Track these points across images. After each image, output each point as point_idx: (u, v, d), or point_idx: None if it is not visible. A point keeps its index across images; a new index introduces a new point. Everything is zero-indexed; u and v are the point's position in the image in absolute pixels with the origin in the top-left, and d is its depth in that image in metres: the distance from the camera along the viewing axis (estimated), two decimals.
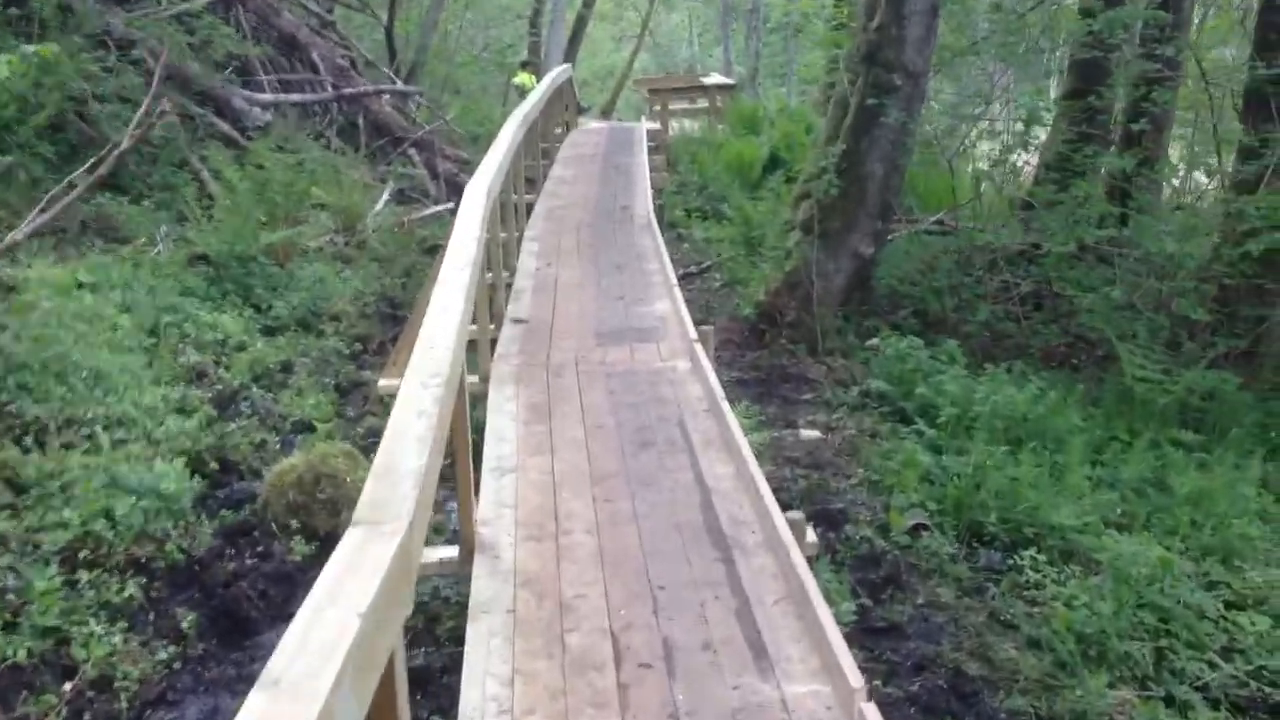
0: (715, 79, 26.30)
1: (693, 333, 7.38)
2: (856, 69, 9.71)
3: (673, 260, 12.85)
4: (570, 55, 33.67)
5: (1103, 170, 11.29)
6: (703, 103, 26.40)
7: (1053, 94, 18.65)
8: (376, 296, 9.76)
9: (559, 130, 18.70)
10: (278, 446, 6.76)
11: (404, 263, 10.88)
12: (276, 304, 8.73)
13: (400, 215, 12.23)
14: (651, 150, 17.80)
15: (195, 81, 12.10)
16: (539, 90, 14.34)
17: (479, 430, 6.30)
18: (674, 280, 8.77)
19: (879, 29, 8.66)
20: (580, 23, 34.09)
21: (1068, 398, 7.62)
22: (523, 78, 25.45)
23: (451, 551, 4.97)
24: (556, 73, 17.73)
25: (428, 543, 4.81)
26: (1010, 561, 5.83)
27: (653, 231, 11.03)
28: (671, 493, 5.34)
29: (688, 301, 10.81)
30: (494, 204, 8.09)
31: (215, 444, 6.39)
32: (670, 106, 23.50)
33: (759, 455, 6.82)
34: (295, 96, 13.20)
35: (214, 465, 6.22)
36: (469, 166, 14.80)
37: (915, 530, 6.10)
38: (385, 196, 12.16)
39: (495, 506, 5.21)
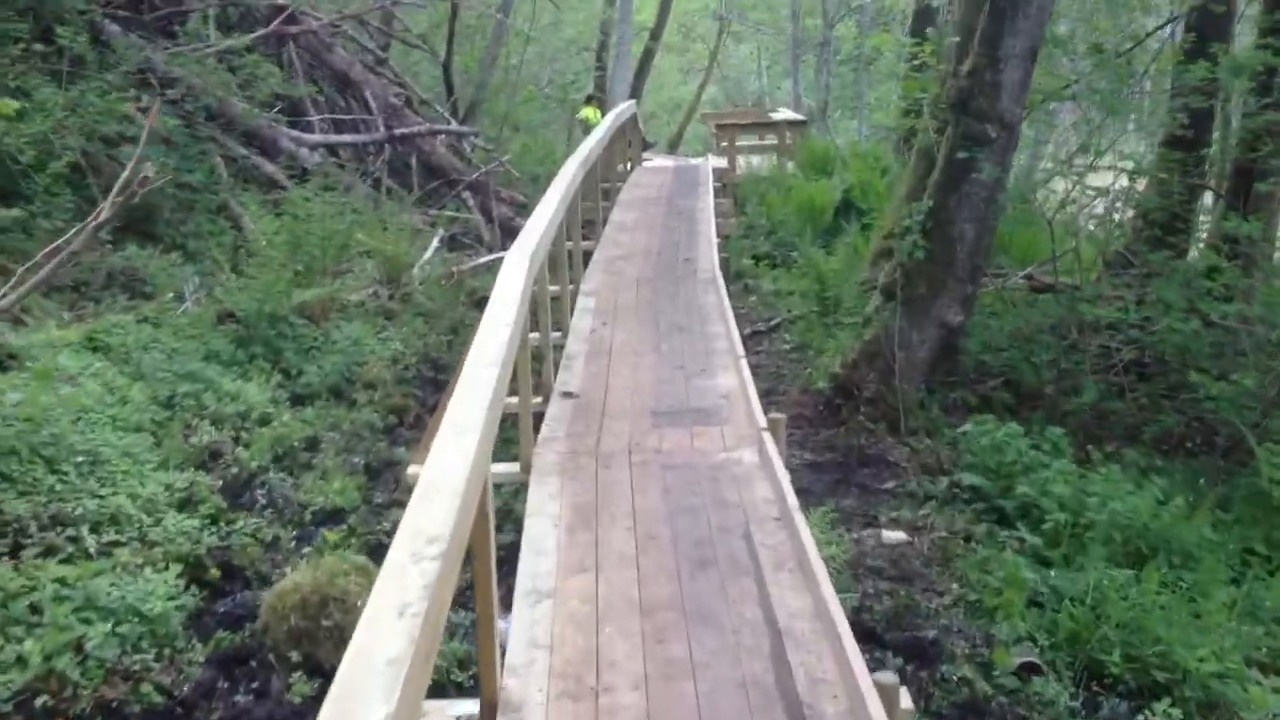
0: (784, 114, 25.50)
1: (761, 419, 6.50)
2: (942, 117, 8.83)
3: (739, 315, 12.03)
4: (636, 89, 33.15)
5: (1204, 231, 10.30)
6: (771, 139, 25.61)
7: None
8: (419, 358, 9.05)
9: (623, 168, 18.01)
10: (292, 544, 6.01)
11: (451, 318, 10.17)
12: (308, 369, 8.04)
13: (450, 264, 11.54)
14: (717, 191, 17.02)
15: (240, 121, 11.55)
16: (600, 130, 13.64)
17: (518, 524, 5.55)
18: (740, 349, 7.93)
19: (971, 74, 7.78)
20: (647, 55, 33.56)
21: (1195, 503, 6.63)
22: (587, 112, 24.90)
23: (471, 708, 4.17)
24: (620, 110, 17.04)
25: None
26: (1141, 718, 4.88)
27: (717, 287, 10.22)
28: (736, 634, 4.48)
29: (755, 366, 9.98)
30: (543, 260, 7.36)
31: (219, 545, 5.65)
32: (738, 143, 22.73)
33: (837, 570, 5.95)
34: (346, 137, 12.62)
35: (215, 572, 5.48)
36: (526, 210, 14.12)
37: (1024, 670, 5.18)
38: (435, 244, 11.49)
39: (527, 648, 4.38)
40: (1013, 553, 6.23)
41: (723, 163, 21.67)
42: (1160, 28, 11.65)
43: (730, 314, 9.13)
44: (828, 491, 7.26)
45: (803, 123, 23.19)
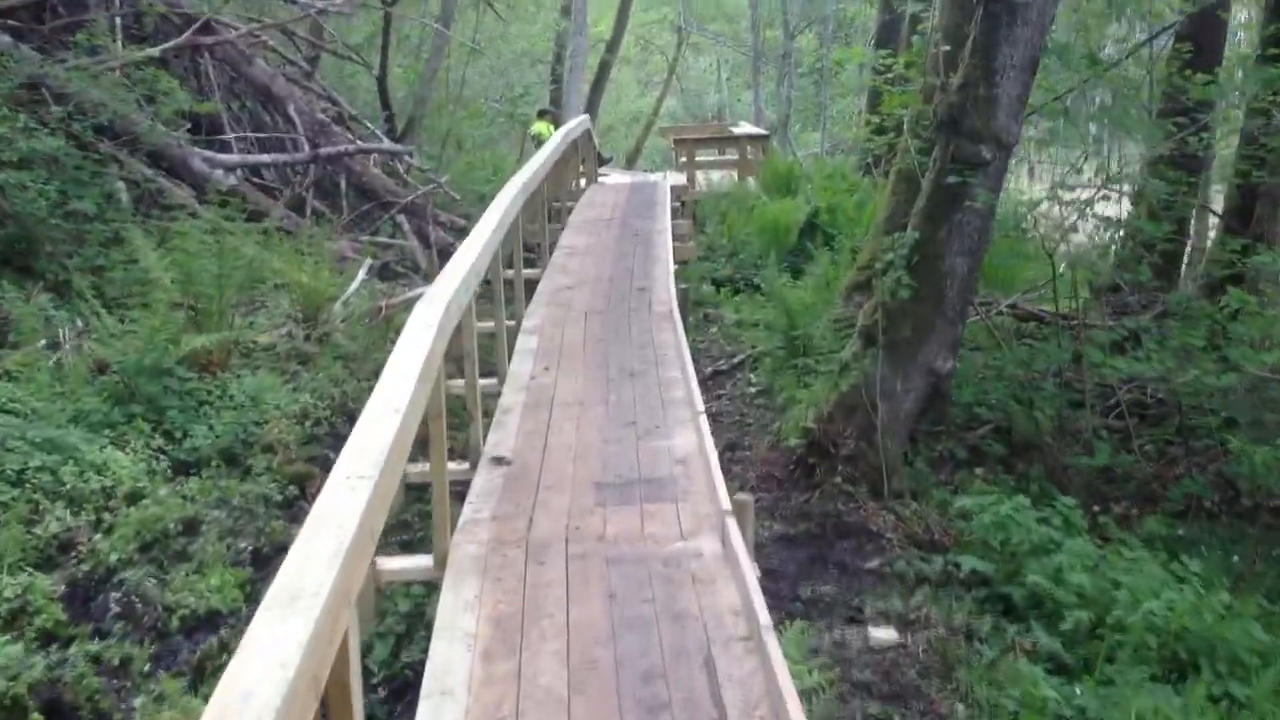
0: (745, 128, 24.55)
1: (724, 498, 5.43)
2: (927, 136, 7.84)
3: (698, 350, 10.97)
4: (593, 102, 32.14)
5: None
6: (732, 154, 24.70)
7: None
8: (333, 410, 7.90)
9: (576, 185, 16.95)
10: (147, 666, 4.88)
11: (376, 361, 9.01)
12: (196, 430, 6.88)
13: (379, 296, 10.41)
14: (676, 210, 16.00)
15: (144, 140, 10.38)
16: (548, 148, 12.58)
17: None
18: (699, 402, 6.87)
19: (962, 88, 6.78)
20: (604, 68, 32.58)
21: (1234, 587, 5.65)
22: (539, 127, 23.79)
23: None
24: (571, 125, 16.00)
25: None
26: None
27: (674, 322, 9.17)
28: None
29: (716, 414, 8.92)
30: (467, 301, 6.32)
31: (47, 677, 4.51)
32: (697, 158, 21.76)
33: (814, 688, 4.90)
34: (265, 157, 11.47)
35: (37, 717, 4.33)
36: (467, 232, 13.03)
37: None
38: (362, 274, 10.35)
39: None
40: (1025, 657, 5.21)
41: (682, 179, 20.70)
42: (1154, 37, 10.74)
43: (688, 356, 8.07)
44: (802, 573, 6.21)
45: (764, 137, 22.25)
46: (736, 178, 20.92)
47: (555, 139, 13.86)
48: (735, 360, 10.05)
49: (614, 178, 22.94)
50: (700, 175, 21.05)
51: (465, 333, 6.57)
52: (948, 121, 6.80)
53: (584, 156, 18.57)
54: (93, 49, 10.46)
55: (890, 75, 10.74)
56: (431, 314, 5.20)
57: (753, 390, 9.04)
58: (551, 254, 12.21)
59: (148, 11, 11.50)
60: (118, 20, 11.51)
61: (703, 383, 9.58)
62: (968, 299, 7.35)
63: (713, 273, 14.85)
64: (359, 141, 12.44)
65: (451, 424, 5.98)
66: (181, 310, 7.65)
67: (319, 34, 13.76)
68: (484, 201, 16.02)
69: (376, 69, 13.75)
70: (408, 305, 10.45)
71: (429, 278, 11.76)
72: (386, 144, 12.47)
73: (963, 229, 6.94)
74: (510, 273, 9.93)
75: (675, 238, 13.22)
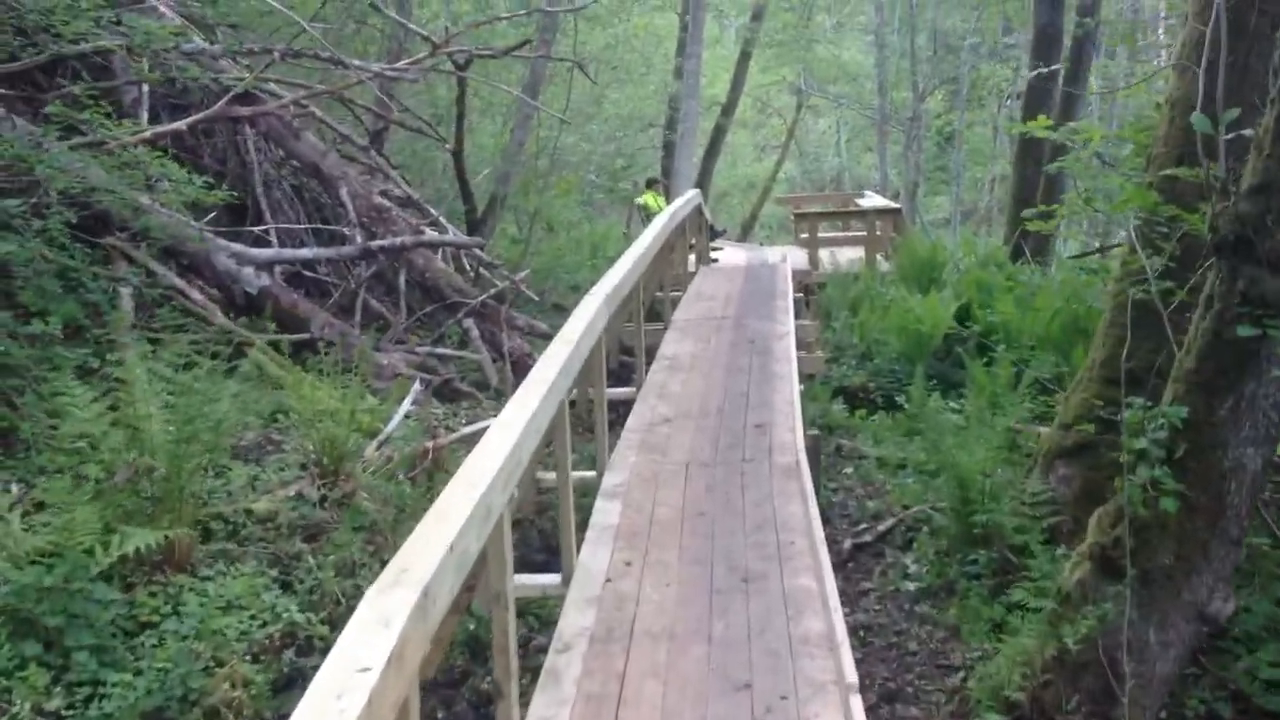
0: (873, 200, 22.21)
1: None
2: (1169, 252, 5.43)
3: (831, 506, 8.59)
4: (707, 168, 30.18)
5: None
6: (859, 228, 22.42)
7: None
8: (331, 625, 5.77)
9: (684, 270, 14.82)
10: None
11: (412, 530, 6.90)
12: (113, 680, 4.79)
13: (431, 429, 8.34)
14: (798, 300, 13.71)
15: (154, 234, 8.55)
16: (646, 238, 10.46)
17: None
18: (849, 667, 4.56)
19: (1259, 192, 4.40)
20: (718, 132, 30.62)
21: None
22: (647, 198, 21.91)
23: None
24: (679, 205, 13.89)
25: None
26: None
27: (802, 485, 6.84)
28: None
29: (863, 631, 6.54)
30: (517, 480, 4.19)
31: None
32: (820, 233, 19.47)
33: None
34: (305, 252, 9.55)
35: None
36: (546, 345, 10.94)
37: None
38: (408, 403, 8.27)
39: None
40: None
41: (803, 258, 18.47)
42: None
43: (824, 551, 5.75)
44: None
45: (895, 211, 19.84)
46: (864, 256, 18.58)
47: (659, 223, 11.75)
48: (883, 527, 7.63)
49: (728, 255, 20.83)
50: (824, 252, 18.75)
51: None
52: (1235, 242, 4.41)
53: (693, 237, 16.46)
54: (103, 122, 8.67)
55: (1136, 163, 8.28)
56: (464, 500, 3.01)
57: (912, 587, 6.61)
58: (650, 366, 10.02)
59: (180, 79, 9.74)
60: (144, 90, 9.77)
61: (839, 565, 7.20)
62: (1255, 505, 4.90)
63: (843, 380, 12.49)
64: (424, 230, 10.45)
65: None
66: (127, 483, 5.61)
67: (387, 103, 11.95)
68: (578, 293, 13.98)
69: (452, 143, 11.88)
70: (467, 442, 8.35)
71: (501, 396, 9.68)
72: (453, 234, 10.48)
73: (1257, 405, 4.50)
74: (591, 393, 7.78)
75: (799, 345, 10.93)
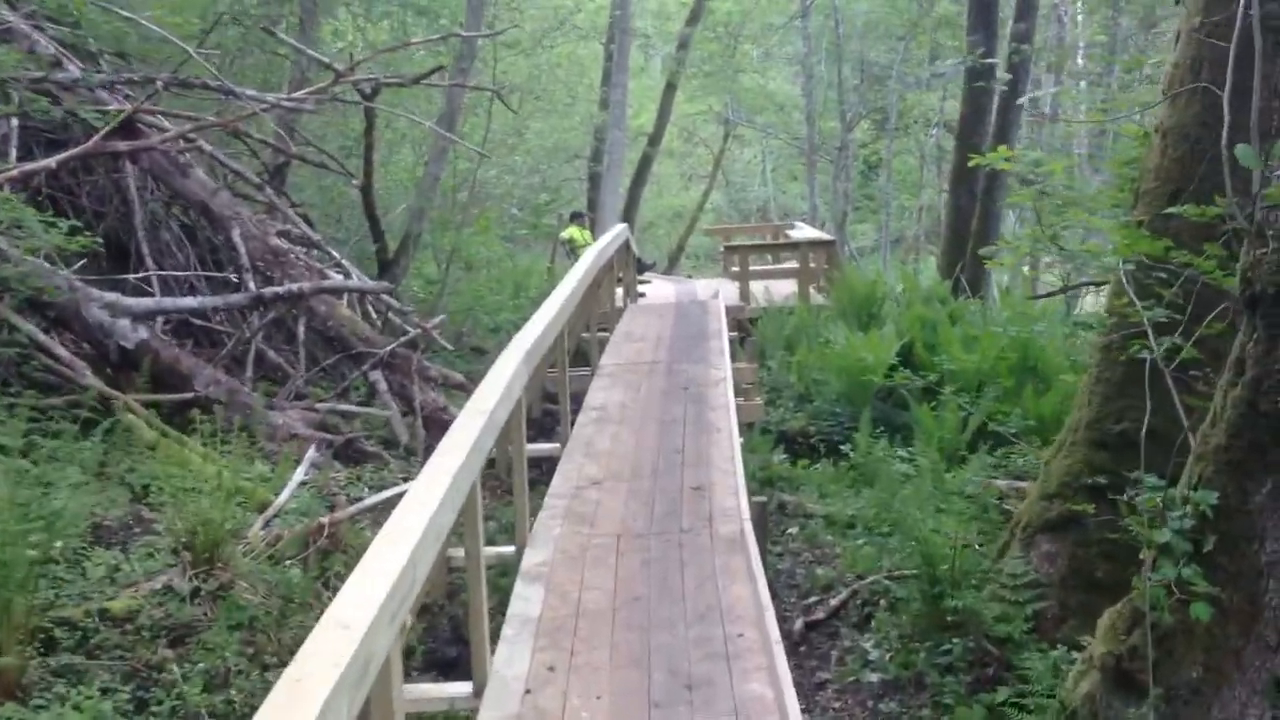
0: (804, 231, 21.64)
1: None
2: (1166, 300, 4.75)
3: (779, 577, 7.83)
4: (633, 197, 29.50)
5: None
6: (790, 260, 21.86)
7: None
8: None
9: (613, 307, 14.04)
10: None
11: (300, 630, 5.96)
12: None
13: (328, 504, 7.42)
14: (732, 340, 12.99)
15: (13, 284, 7.55)
16: (564, 290, 9.65)
17: None
18: None
19: None
20: (645, 162, 29.96)
21: None
22: (572, 232, 21.19)
23: None
24: (606, 241, 13.13)
25: None
26: None
27: (749, 561, 6.07)
28: None
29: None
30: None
31: None
32: (751, 266, 18.82)
33: None
34: (189, 301, 8.58)
35: None
36: (463, 396, 10.06)
37: None
38: (301, 472, 7.35)
39: None
40: None
41: (733, 292, 17.79)
42: None
43: (778, 644, 4.97)
44: None
45: (829, 242, 19.27)
46: (798, 289, 17.96)
47: (585, 262, 10.98)
48: (836, 600, 6.85)
49: (656, 289, 20.11)
50: (756, 285, 18.08)
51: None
52: (1275, 296, 3.71)
53: (620, 273, 15.69)
54: None
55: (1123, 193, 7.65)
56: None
57: (875, 679, 5.82)
58: (576, 418, 9.19)
59: (61, 110, 8.76)
60: (12, 125, 8.77)
61: (791, 649, 6.40)
62: None
63: (781, 424, 11.77)
64: (327, 274, 9.50)
65: None
66: None
67: (286, 137, 11.02)
68: (498, 336, 13.11)
69: (360, 179, 10.97)
70: (371, 513, 7.46)
71: (411, 455, 8.79)
72: (356, 279, 9.54)
73: None
74: (511, 450, 6.93)
75: (736, 391, 10.18)
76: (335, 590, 6.62)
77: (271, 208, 10.10)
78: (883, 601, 6.48)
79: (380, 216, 11.67)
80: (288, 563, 6.61)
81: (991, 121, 18.74)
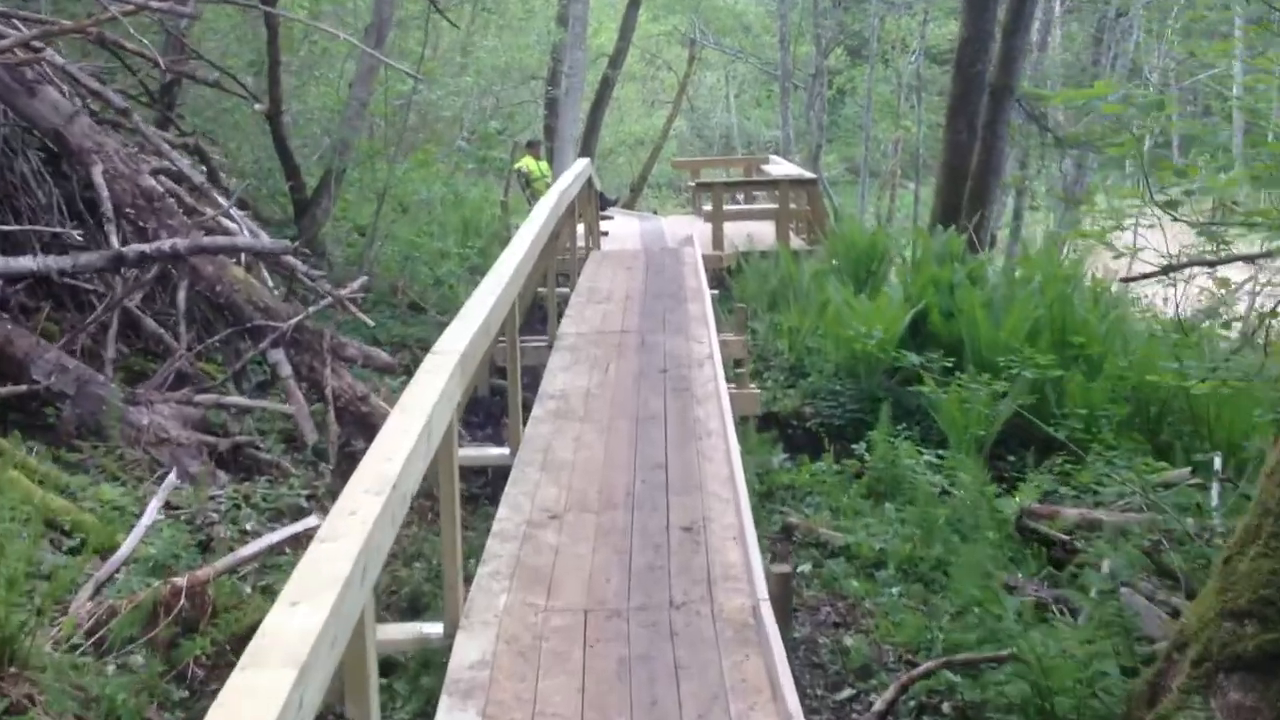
0: (782, 166, 19.71)
1: None
2: None
3: (795, 650, 5.97)
4: (593, 123, 27.38)
5: None
6: (767, 200, 20.01)
7: None
8: None
9: (573, 254, 12.14)
10: None
11: None
12: None
13: (196, 551, 5.55)
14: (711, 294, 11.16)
15: None
16: (526, 235, 7.75)
17: None
18: None
19: None
20: (605, 85, 27.76)
21: None
22: (527, 162, 19.13)
23: None
24: (567, 181, 11.17)
25: None
26: None
27: (769, 661, 4.32)
28: None
29: None
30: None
31: None
32: (725, 205, 16.92)
33: None
34: (24, 262, 6.55)
35: None
36: (393, 385, 8.14)
37: None
38: (155, 507, 5.46)
39: None
40: None
41: (705, 234, 15.94)
42: None
43: None
44: None
45: (811, 181, 17.37)
46: (776, 233, 16.13)
47: (542, 210, 9.01)
48: (880, 703, 5.07)
49: (620, 227, 18.22)
50: (728, 226, 16.19)
51: None
52: None
53: (582, 213, 13.74)
54: None
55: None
56: None
57: None
58: (529, 417, 7.32)
59: None
60: None
61: None
62: None
63: (770, 404, 10.00)
64: (193, 236, 7.41)
65: None
66: None
67: (178, 51, 8.87)
68: (441, 290, 11.14)
69: (265, 104, 8.87)
70: (256, 562, 5.61)
71: (320, 462, 6.93)
72: (246, 237, 7.50)
73: None
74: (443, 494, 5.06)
75: (726, 372, 8.35)
76: (197, 692, 4.79)
77: (142, 140, 7.99)
78: (947, 707, 4.74)
79: (296, 150, 9.60)
80: (130, 647, 4.75)
81: (994, 47, 16.81)
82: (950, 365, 9.40)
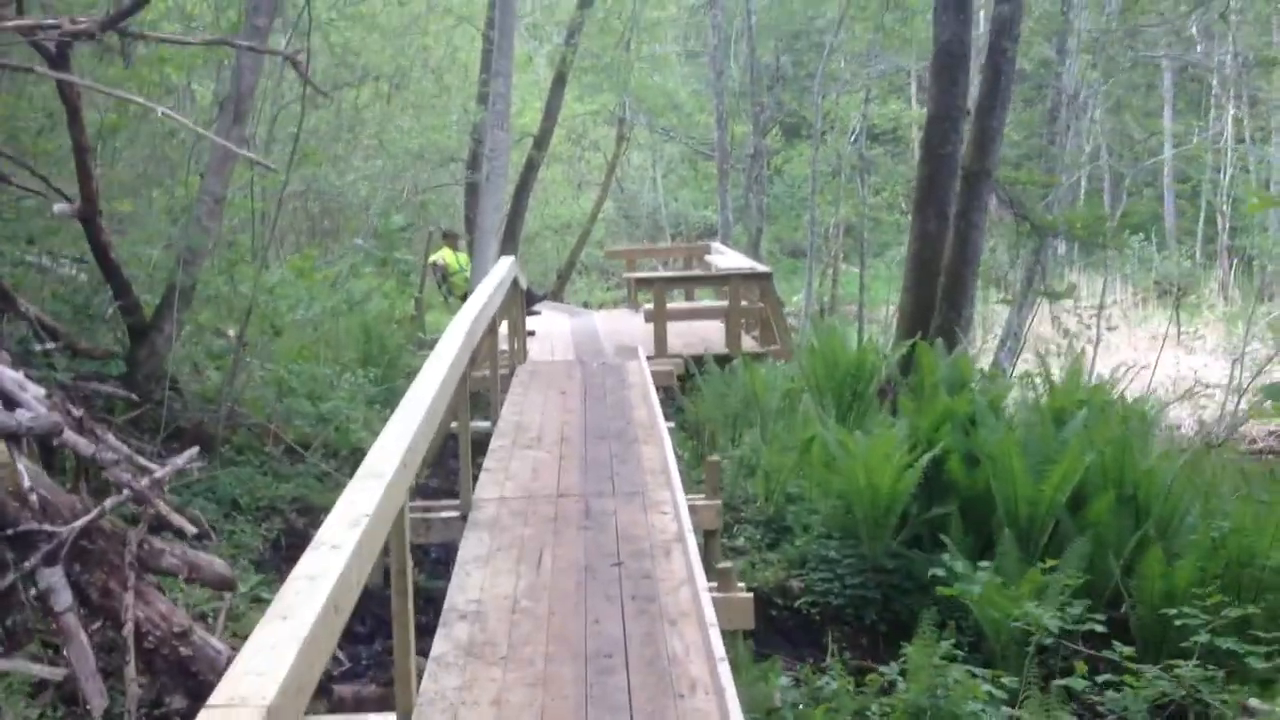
0: (728, 258, 17.67)
1: None
2: None
3: None
4: (517, 208, 25.22)
5: None
6: (706, 297, 18.11)
7: None
8: None
9: (495, 374, 9.90)
10: None
11: None
12: None
13: None
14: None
15: None
16: (432, 380, 5.50)
17: None
18: None
19: None
20: (530, 169, 25.73)
21: None
22: (445, 254, 17.06)
23: None
24: (489, 289, 9.02)
25: None
26: None
27: None
28: None
29: None
30: None
31: None
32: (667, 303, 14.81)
33: None
34: None
35: None
36: (238, 603, 5.80)
37: None
38: None
39: None
40: None
41: (641, 332, 13.96)
42: None
43: None
44: None
45: (764, 276, 15.35)
46: (726, 335, 14.09)
47: (455, 337, 6.78)
48: None
49: (549, 325, 16.14)
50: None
51: None
52: None
53: (507, 321, 11.58)
54: None
55: None
56: None
57: None
58: (429, 651, 5.04)
59: None
60: None
61: None
62: None
63: (748, 575, 7.81)
64: None
65: None
66: None
67: None
68: (332, 431, 8.77)
69: (76, 203, 6.53)
70: None
71: None
72: None
73: None
74: None
75: (709, 574, 6.13)
76: None
77: None
78: None
79: (118, 263, 7.23)
80: None
81: (964, 125, 15.11)
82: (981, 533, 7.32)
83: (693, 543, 6.22)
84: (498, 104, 17.61)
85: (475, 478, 7.35)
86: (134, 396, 6.93)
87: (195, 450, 5.79)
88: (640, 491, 7.17)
